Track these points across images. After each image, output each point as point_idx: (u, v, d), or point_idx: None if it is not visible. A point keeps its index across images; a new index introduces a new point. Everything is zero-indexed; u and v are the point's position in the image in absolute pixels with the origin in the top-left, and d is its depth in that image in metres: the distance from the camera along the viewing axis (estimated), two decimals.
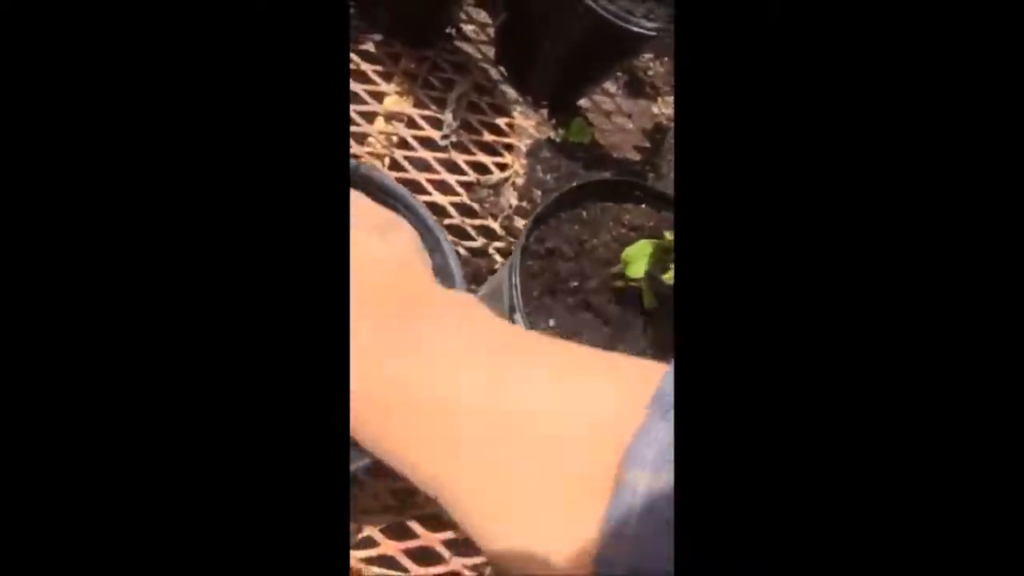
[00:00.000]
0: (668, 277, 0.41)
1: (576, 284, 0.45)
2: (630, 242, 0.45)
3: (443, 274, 0.44)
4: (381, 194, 0.45)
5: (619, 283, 0.45)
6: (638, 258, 0.41)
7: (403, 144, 0.63)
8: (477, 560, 0.52)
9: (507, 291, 0.43)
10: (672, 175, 0.69)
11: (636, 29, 0.56)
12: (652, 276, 0.42)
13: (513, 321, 0.42)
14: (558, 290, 0.45)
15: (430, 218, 0.44)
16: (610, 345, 0.45)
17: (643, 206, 0.48)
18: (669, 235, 0.41)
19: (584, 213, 0.46)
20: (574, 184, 0.45)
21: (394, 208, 0.46)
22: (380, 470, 0.49)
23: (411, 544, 0.50)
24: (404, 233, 0.33)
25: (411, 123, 0.65)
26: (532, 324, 0.42)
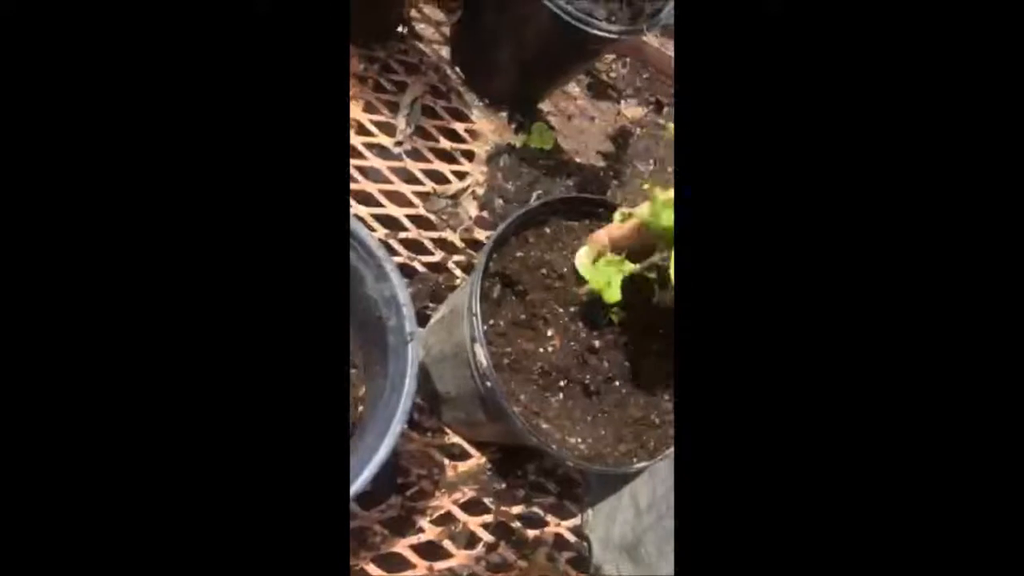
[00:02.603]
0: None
1: (539, 305, 0.42)
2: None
3: (391, 305, 0.40)
4: None
5: (583, 298, 0.42)
6: (608, 281, 0.38)
7: (353, 153, 0.60)
8: None
9: (467, 319, 0.40)
10: (635, 182, 0.67)
11: (597, 32, 0.53)
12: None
13: (473, 353, 0.39)
14: (522, 312, 0.42)
15: (374, 244, 0.40)
16: (578, 363, 0.42)
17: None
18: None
19: (547, 231, 0.44)
20: (537, 203, 0.43)
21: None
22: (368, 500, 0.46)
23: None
24: None
25: (361, 129, 0.61)
26: (493, 353, 0.39)
